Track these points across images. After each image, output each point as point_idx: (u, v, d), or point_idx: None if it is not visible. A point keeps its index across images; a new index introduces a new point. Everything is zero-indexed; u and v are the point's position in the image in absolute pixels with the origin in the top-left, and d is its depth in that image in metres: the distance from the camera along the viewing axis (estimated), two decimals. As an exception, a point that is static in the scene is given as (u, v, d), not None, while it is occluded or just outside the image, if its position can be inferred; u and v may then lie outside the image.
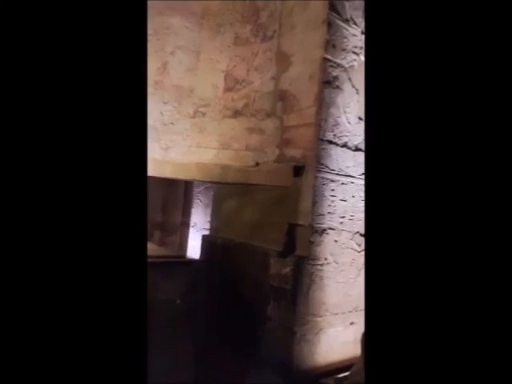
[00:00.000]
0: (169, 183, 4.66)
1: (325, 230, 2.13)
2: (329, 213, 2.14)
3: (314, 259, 2.07)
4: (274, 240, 2.24)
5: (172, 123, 2.45)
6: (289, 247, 2.15)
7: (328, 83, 2.10)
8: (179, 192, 4.76)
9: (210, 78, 2.46)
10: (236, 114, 2.43)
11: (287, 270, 2.08)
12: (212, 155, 2.46)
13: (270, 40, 2.36)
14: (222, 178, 2.44)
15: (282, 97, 2.28)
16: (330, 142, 2.12)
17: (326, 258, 2.12)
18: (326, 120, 2.09)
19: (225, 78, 2.45)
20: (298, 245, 2.12)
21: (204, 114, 2.47)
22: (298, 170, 2.15)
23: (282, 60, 2.30)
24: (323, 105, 2.08)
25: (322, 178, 2.10)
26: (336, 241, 2.18)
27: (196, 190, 4.68)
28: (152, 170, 2.40)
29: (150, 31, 2.36)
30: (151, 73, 2.37)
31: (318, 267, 2.09)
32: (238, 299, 2.42)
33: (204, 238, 2.95)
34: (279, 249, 2.18)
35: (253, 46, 2.41)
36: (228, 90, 2.45)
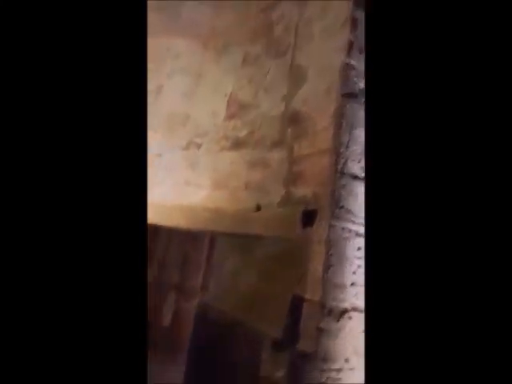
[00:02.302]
0: (192, 236, 4.15)
1: (346, 311, 1.35)
2: (353, 284, 1.37)
3: (324, 360, 1.27)
4: (271, 320, 1.51)
5: (160, 155, 1.98)
6: (289, 334, 1.39)
7: (351, 96, 1.49)
8: (202, 251, 4.20)
9: (210, 104, 2.00)
10: (237, 144, 1.89)
11: (280, 374, 1.30)
12: (203, 196, 1.89)
13: (283, 56, 1.87)
14: (214, 226, 1.84)
15: (293, 120, 1.70)
16: (354, 177, 1.43)
17: (346, 360, 1.31)
18: (347, 146, 1.44)
19: (227, 103, 1.97)
20: (303, 332, 1.36)
21: (199, 146, 1.97)
22: (309, 217, 1.48)
23: (296, 75, 1.77)
24: (344, 125, 1.45)
25: (343, 228, 1.39)
26: (365, 331, 1.38)
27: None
28: (127, 212, 1.89)
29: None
30: (141, 97, 1.99)
31: (333, 374, 1.28)
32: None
33: (197, 307, 2.28)
34: (276, 334, 1.44)
35: (263, 65, 1.94)
36: (230, 116, 1.95)
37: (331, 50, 1.60)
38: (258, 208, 1.74)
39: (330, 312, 1.32)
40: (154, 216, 1.89)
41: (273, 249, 1.65)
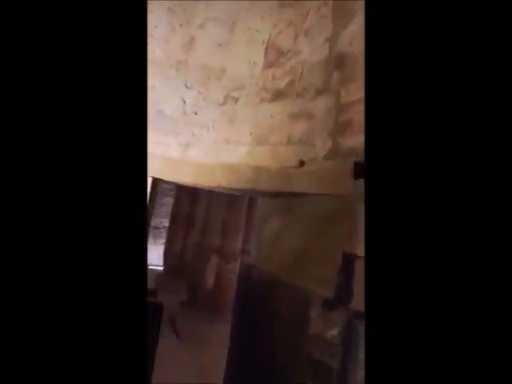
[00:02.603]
0: (231, 200, 4.14)
1: (404, 268, 1.24)
2: (411, 239, 1.25)
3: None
4: (320, 279, 1.43)
5: (195, 113, 1.89)
6: (341, 293, 1.32)
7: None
8: (241, 212, 4.19)
9: (247, 53, 1.86)
10: (277, 95, 1.75)
11: (334, 332, 1.24)
12: (243, 153, 1.80)
13: (325, -8, 1.67)
14: (255, 185, 1.75)
15: (338, 63, 1.53)
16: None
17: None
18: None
19: (265, 51, 1.82)
20: (357, 291, 1.27)
21: (236, 100, 1.86)
22: (361, 169, 1.34)
23: (342, 13, 1.57)
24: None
25: (400, 179, 1.25)
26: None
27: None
28: (166, 173, 1.85)
29: (175, 1, 1.89)
30: (173, 51, 1.88)
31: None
32: (263, 370, 1.64)
33: (241, 268, 2.26)
34: (327, 293, 1.36)
35: (303, 5, 1.74)
36: (269, 65, 1.80)
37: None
38: (302, 163, 1.62)
39: (387, 269, 1.22)
40: (193, 177, 1.84)
41: (319, 206, 1.54)
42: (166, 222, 9.27)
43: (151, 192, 11.89)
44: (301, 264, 1.60)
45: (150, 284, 6.44)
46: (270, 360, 1.65)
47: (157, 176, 1.83)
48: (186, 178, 1.84)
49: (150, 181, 1.82)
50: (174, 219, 8.03)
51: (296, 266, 1.65)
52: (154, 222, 9.72)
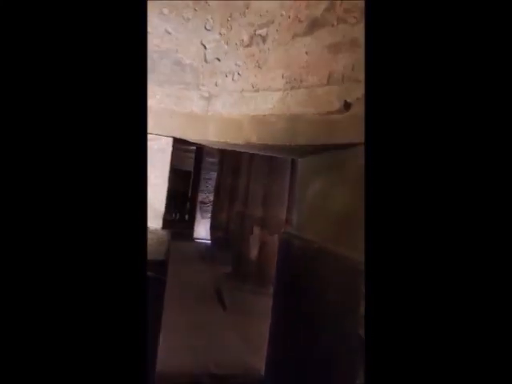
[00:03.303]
0: (272, 169, 3.87)
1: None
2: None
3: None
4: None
5: (217, 58, 1.62)
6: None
7: None
8: (283, 183, 3.91)
9: (274, -21, 1.52)
10: (313, 25, 1.42)
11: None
12: (275, 101, 1.51)
13: None
14: (292, 138, 1.47)
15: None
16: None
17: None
18: None
19: (296, -27, 1.47)
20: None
21: (264, 39, 1.55)
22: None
23: None
24: None
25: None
26: None
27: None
28: (189, 131, 1.63)
29: None
30: (190, -13, 1.60)
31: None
32: (308, 350, 1.41)
33: (281, 237, 2.02)
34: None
35: None
36: (301, -10, 1.46)
37: None
38: (347, 106, 1.30)
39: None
40: (219, 133, 1.60)
41: (370, 156, 1.24)
42: (211, 197, 9.32)
43: (194, 167, 11.93)
44: (349, 231, 1.32)
45: (198, 256, 6.52)
46: (313, 335, 1.42)
47: (178, 136, 1.62)
48: (211, 135, 1.60)
49: (170, 142, 1.61)
50: (217, 192, 8.01)
51: (343, 233, 1.37)
52: (200, 197, 9.85)
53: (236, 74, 1.59)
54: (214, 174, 9.17)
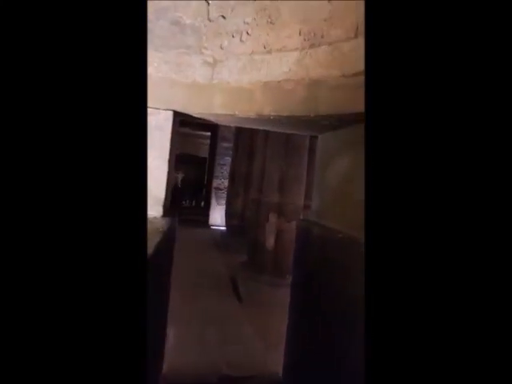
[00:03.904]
0: (288, 151, 3.62)
1: None
2: None
3: None
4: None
5: (223, 16, 1.37)
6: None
7: None
8: (301, 166, 3.65)
9: None
10: (337, -34, 1.15)
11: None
12: (291, 63, 1.26)
13: None
14: (312, 107, 1.23)
15: None
16: None
17: None
18: None
19: None
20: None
21: (278, -12, 1.29)
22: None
23: None
24: None
25: None
26: None
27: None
28: (190, 103, 1.40)
29: None
30: None
31: None
32: (329, 352, 1.20)
33: (299, 225, 1.79)
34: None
35: None
36: None
37: None
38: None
39: None
40: (226, 105, 1.36)
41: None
42: (226, 183, 9.13)
43: (209, 152, 11.78)
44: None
45: (213, 244, 6.38)
46: (334, 335, 1.21)
47: (179, 109, 1.39)
48: (217, 108, 1.37)
49: (170, 116, 1.39)
50: (232, 178, 7.80)
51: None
52: (215, 183, 9.68)
53: (244, 33, 1.34)
54: (228, 160, 8.98)
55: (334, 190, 1.52)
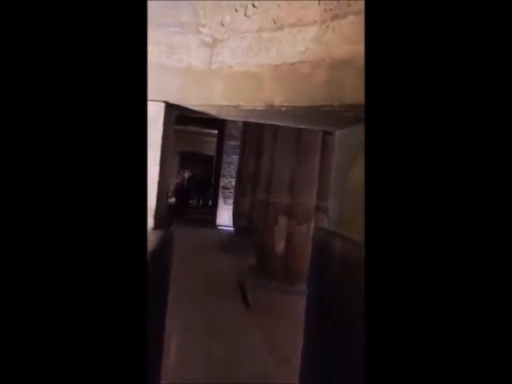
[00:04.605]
0: (299, 148, 3.37)
1: None
2: None
3: None
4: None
5: (223, -12, 1.13)
6: None
7: None
8: (313, 164, 3.40)
9: None
10: None
11: None
12: (308, 41, 1.02)
13: None
14: (333, 97, 0.99)
15: None
16: None
17: None
18: None
19: None
20: None
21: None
22: None
23: None
24: None
25: None
26: None
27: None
28: (186, 92, 1.17)
29: None
30: None
31: None
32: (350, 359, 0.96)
33: (315, 235, 1.55)
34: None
35: None
36: None
37: None
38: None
39: None
40: (228, 93, 1.13)
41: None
42: (234, 182, 8.90)
43: (216, 151, 11.66)
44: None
45: (220, 245, 6.17)
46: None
47: (172, 100, 1.16)
48: (217, 97, 1.14)
49: (162, 109, 1.16)
50: (239, 177, 7.56)
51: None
52: (222, 182, 9.45)
53: (250, 6, 1.10)
54: (235, 158, 8.76)
55: (356, 196, 1.28)
